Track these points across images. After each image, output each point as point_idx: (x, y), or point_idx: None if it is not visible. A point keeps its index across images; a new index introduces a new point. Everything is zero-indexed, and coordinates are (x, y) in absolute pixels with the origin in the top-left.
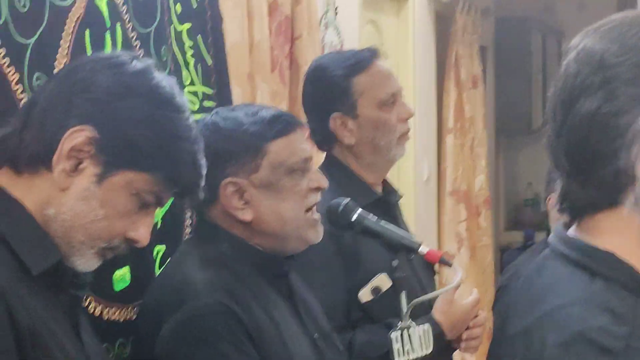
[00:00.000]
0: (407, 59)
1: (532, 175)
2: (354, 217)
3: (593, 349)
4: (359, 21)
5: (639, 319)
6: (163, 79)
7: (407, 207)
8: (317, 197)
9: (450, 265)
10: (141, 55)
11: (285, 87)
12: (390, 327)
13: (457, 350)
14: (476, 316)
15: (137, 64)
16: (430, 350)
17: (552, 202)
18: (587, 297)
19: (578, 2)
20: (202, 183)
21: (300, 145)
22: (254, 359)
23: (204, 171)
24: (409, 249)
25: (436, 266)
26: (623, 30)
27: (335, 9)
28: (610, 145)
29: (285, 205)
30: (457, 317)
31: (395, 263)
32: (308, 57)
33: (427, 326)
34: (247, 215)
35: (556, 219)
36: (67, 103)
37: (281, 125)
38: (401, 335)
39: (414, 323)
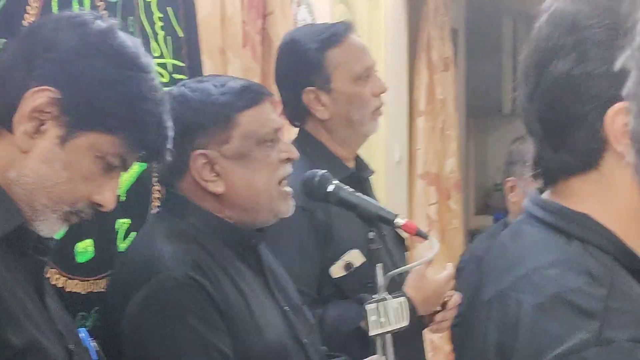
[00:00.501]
0: (379, 40)
1: (502, 160)
2: (330, 188)
3: (571, 310)
4: (331, 0)
5: (616, 280)
6: (127, 39)
7: (378, 189)
8: (288, 168)
9: (426, 237)
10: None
11: (257, 63)
12: (362, 303)
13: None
14: (451, 297)
15: (100, 24)
16: (406, 323)
17: (509, 185)
18: (563, 259)
19: None
20: (168, 145)
21: (270, 115)
22: (222, 331)
23: (170, 133)
24: (386, 220)
25: (407, 243)
26: None
27: None
28: (582, 108)
29: (257, 176)
30: (430, 293)
31: (371, 235)
32: (280, 34)
33: (403, 299)
34: (218, 187)
35: (513, 202)
36: (28, 63)
37: (251, 95)
38: (377, 307)
39: (389, 296)
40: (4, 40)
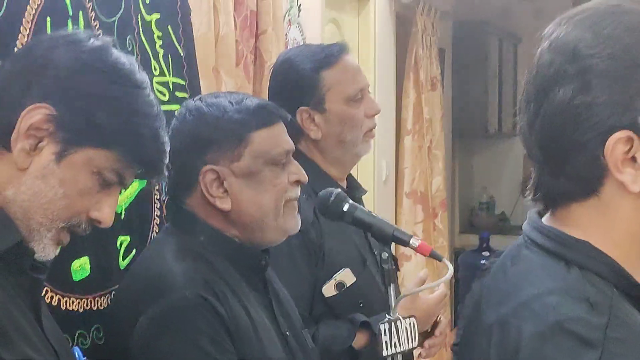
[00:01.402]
0: (368, 59)
1: (487, 179)
2: (346, 207)
3: (571, 339)
4: (322, 19)
5: (615, 308)
6: (122, 56)
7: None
8: (297, 191)
9: (440, 259)
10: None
11: (249, 81)
12: (353, 323)
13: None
14: (439, 323)
15: (94, 42)
16: (415, 344)
17: None
18: (563, 287)
19: (535, 8)
20: (165, 160)
21: (283, 137)
22: (231, 353)
23: (167, 148)
24: (401, 241)
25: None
26: (597, 19)
27: (299, 6)
28: (583, 136)
29: (265, 196)
30: (421, 313)
31: (385, 255)
32: (273, 53)
33: (413, 320)
34: (225, 204)
35: None
36: (24, 81)
37: (266, 115)
38: (389, 327)
39: (400, 316)
40: None
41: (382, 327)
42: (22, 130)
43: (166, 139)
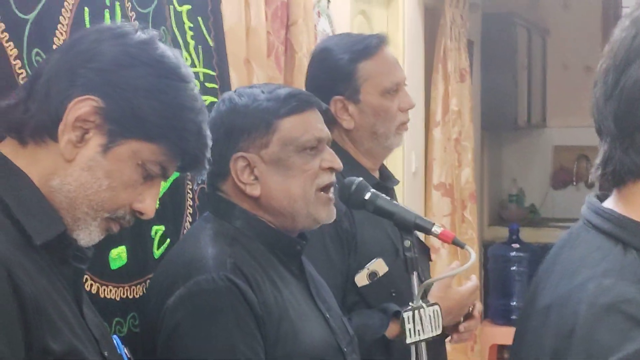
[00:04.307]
0: (397, 51)
1: (516, 171)
2: (367, 195)
3: (625, 321)
4: (351, 11)
5: None
6: (167, 50)
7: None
8: (330, 177)
9: (463, 247)
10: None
11: (280, 72)
12: (386, 312)
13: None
14: (474, 307)
15: (141, 35)
16: (439, 331)
17: None
18: (619, 269)
19: (563, 1)
20: (208, 154)
21: (315, 124)
22: (253, 337)
23: (210, 142)
24: (423, 229)
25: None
26: None
27: None
28: None
29: (293, 182)
30: (453, 303)
31: (407, 243)
32: (303, 44)
33: (437, 307)
34: (255, 191)
35: None
36: (71, 73)
37: (295, 102)
38: (413, 315)
39: (424, 304)
40: (37, 49)
41: (405, 315)
42: (70, 122)
43: (208, 132)
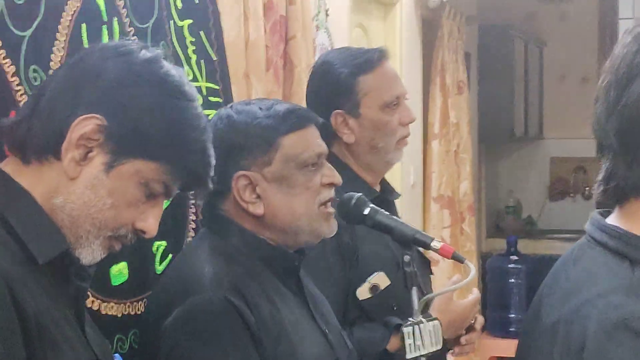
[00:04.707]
0: (395, 63)
1: (514, 183)
2: (367, 211)
3: (635, 337)
4: (349, 24)
5: None
6: (172, 68)
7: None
8: (330, 192)
9: (462, 261)
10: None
11: (279, 86)
12: (387, 326)
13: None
14: (475, 319)
15: (145, 53)
16: (439, 346)
17: None
18: (627, 286)
19: (560, 12)
20: (211, 173)
21: (314, 140)
22: (252, 358)
23: (213, 161)
24: (423, 244)
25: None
26: None
27: (327, 11)
28: None
29: (297, 200)
30: (455, 316)
31: (407, 258)
32: (302, 58)
33: (437, 322)
34: (258, 209)
35: None
36: (75, 91)
37: (295, 119)
38: (413, 330)
39: (424, 319)
40: (35, 66)
41: (405, 330)
42: (73, 140)
43: (212, 151)
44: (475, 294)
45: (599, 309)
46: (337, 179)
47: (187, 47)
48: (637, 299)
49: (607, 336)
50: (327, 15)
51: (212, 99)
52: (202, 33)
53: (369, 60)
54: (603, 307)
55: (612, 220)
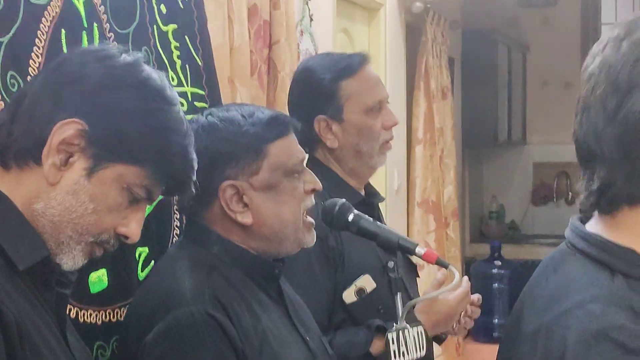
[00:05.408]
0: (379, 68)
1: (497, 188)
2: (351, 217)
3: (615, 348)
4: (333, 29)
5: None
6: (153, 72)
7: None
8: (311, 200)
9: (447, 267)
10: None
11: (263, 91)
12: (370, 328)
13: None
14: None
15: (126, 57)
16: (424, 352)
17: None
18: (607, 295)
19: (542, 17)
20: (194, 177)
21: (296, 146)
22: None
23: (196, 165)
24: (407, 249)
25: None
26: None
27: (311, 16)
28: None
29: (285, 207)
30: (441, 317)
31: (391, 264)
32: (285, 63)
33: (421, 328)
34: (246, 219)
35: None
36: (56, 96)
37: (280, 126)
38: (397, 336)
39: (408, 325)
40: (12, 72)
41: (389, 336)
42: (54, 145)
43: (194, 155)
44: (463, 287)
45: (578, 318)
46: (319, 184)
47: (171, 52)
48: (617, 309)
49: (586, 346)
50: (311, 20)
51: (197, 104)
52: (187, 38)
53: (351, 65)
54: (583, 316)
55: (592, 227)
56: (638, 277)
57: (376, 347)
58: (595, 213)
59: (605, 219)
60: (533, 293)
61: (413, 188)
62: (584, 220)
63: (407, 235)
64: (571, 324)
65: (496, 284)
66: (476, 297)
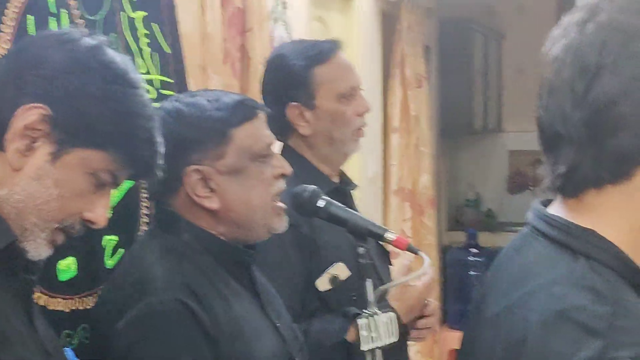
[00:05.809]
0: (354, 56)
1: (473, 176)
2: (321, 203)
3: (576, 329)
4: (307, 17)
5: (621, 298)
6: (116, 56)
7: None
8: (281, 184)
9: (417, 253)
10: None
11: (236, 79)
12: (346, 316)
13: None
14: (427, 306)
15: (89, 41)
16: (395, 338)
17: None
18: (568, 276)
19: (518, 5)
20: (159, 161)
21: (264, 130)
22: (206, 358)
23: (162, 149)
24: (377, 235)
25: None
26: None
27: (284, 4)
28: (635, 110)
29: (253, 192)
30: (413, 302)
31: (361, 250)
32: (258, 51)
33: (392, 314)
34: (213, 204)
35: None
36: (18, 81)
37: (245, 110)
38: (368, 323)
39: (379, 311)
40: None
41: (360, 322)
42: (17, 131)
43: (160, 139)
44: (429, 275)
45: (540, 300)
46: (288, 169)
47: (139, 39)
48: (578, 290)
49: (548, 328)
50: (285, 8)
51: (164, 92)
52: (155, 25)
53: (323, 52)
54: (544, 298)
55: (554, 210)
56: (599, 259)
57: (352, 334)
58: (559, 196)
59: (568, 202)
60: (495, 277)
61: (389, 176)
62: (546, 204)
63: (384, 224)
64: (533, 306)
65: (472, 272)
66: (435, 302)
